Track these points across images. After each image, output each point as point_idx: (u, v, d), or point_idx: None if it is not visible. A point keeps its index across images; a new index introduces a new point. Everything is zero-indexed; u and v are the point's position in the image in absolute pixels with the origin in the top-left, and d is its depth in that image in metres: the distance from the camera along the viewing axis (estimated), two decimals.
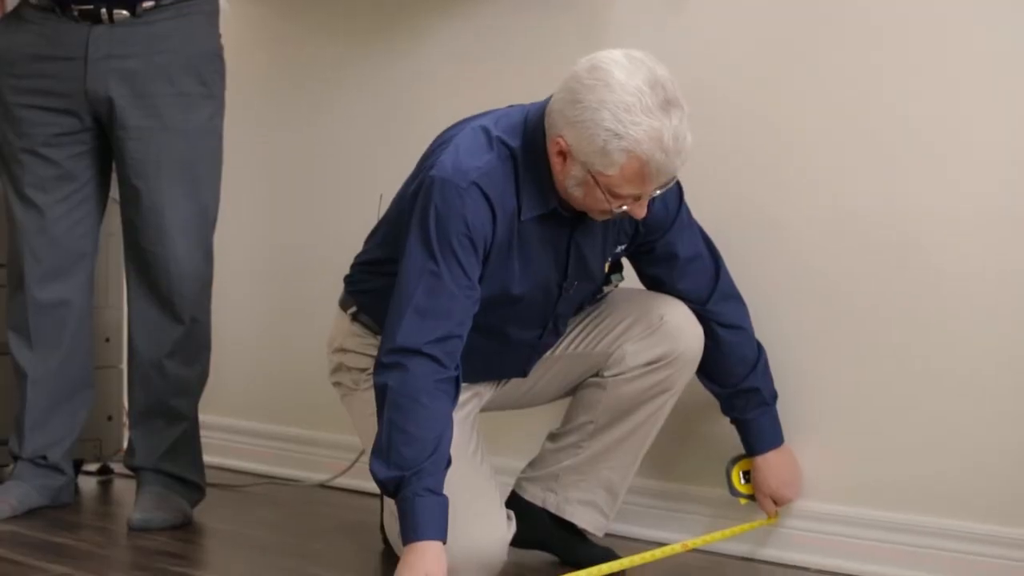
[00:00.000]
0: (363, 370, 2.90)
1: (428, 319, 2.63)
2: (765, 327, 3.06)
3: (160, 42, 3.30)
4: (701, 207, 3.01)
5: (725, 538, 3.07)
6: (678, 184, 2.87)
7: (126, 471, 3.62)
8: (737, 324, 3.00)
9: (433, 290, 2.64)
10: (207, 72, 3.36)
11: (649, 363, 2.93)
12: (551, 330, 2.93)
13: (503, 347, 2.90)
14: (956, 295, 2.94)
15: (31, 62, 3.34)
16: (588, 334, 2.98)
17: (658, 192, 2.69)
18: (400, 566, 2.59)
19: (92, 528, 3.41)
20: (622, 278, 2.97)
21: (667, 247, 2.94)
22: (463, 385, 2.81)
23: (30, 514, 3.41)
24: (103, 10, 3.28)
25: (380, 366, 2.66)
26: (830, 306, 3.09)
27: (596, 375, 2.98)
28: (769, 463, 3.02)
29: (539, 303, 2.84)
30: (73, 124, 3.35)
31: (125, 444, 3.66)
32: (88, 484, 3.84)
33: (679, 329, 2.93)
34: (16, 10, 3.40)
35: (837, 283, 3.08)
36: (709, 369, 3.00)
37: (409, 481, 2.59)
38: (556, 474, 3.03)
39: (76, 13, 3.29)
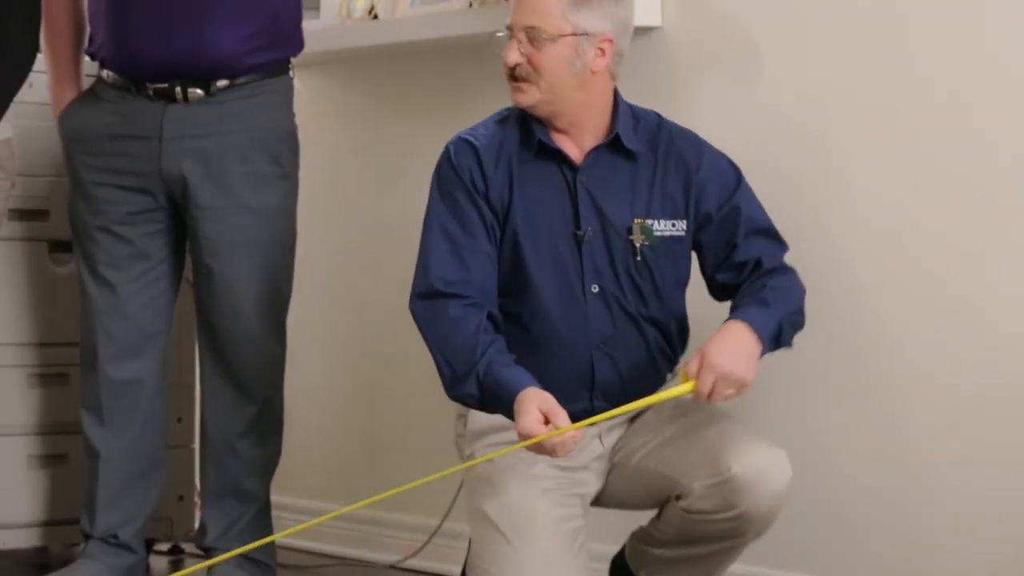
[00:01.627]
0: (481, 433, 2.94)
1: (439, 267, 2.83)
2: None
3: (234, 121, 3.29)
4: None
5: (636, 408, 2.80)
6: (730, 163, 2.93)
7: (197, 551, 3.58)
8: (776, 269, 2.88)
9: (441, 239, 2.84)
10: (281, 152, 3.35)
11: (714, 511, 2.78)
12: (596, 297, 2.86)
13: (551, 327, 2.87)
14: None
15: (106, 141, 3.33)
16: (666, 455, 2.86)
17: (521, 36, 2.80)
18: (516, 420, 2.66)
19: None
20: (652, 232, 2.87)
21: (731, 208, 2.90)
22: (570, 494, 2.84)
23: None
24: (178, 89, 3.28)
25: (412, 311, 2.87)
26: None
27: (676, 495, 2.85)
28: (723, 328, 2.77)
29: (560, 258, 2.85)
30: (147, 202, 3.34)
31: (197, 524, 3.64)
32: (159, 564, 3.82)
33: (747, 486, 2.74)
34: (92, 88, 3.41)
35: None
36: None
37: (484, 374, 2.74)
38: (648, 556, 2.95)
39: (151, 92, 3.29)
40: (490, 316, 2.81)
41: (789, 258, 2.91)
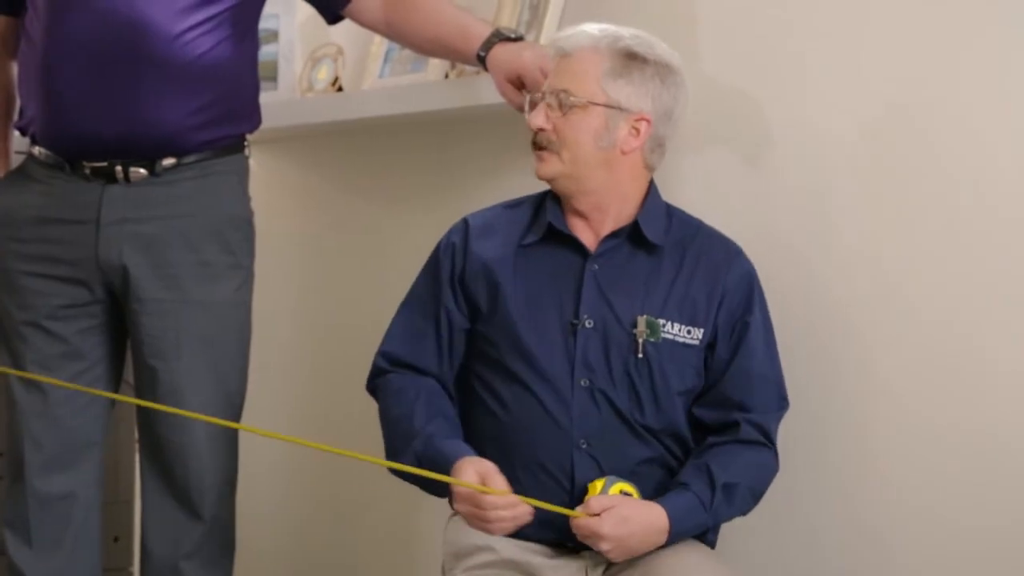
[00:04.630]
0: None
1: (391, 346, 2.88)
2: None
3: (182, 205, 3.09)
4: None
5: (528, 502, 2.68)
6: (760, 290, 2.84)
7: None
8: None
9: (402, 319, 2.89)
10: (234, 239, 3.15)
11: None
12: (583, 391, 2.74)
13: (532, 418, 2.76)
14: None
15: (36, 225, 3.13)
16: None
17: (548, 94, 2.77)
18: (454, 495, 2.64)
19: None
20: (659, 330, 2.76)
21: (741, 327, 2.80)
22: None
23: None
24: (118, 168, 3.07)
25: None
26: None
27: None
28: (650, 510, 2.67)
29: (551, 347, 2.77)
30: (82, 295, 3.13)
31: None
32: None
33: None
34: (21, 167, 3.20)
35: None
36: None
37: (424, 447, 2.71)
38: None
39: (88, 171, 3.08)
40: (439, 383, 2.84)
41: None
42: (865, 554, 2.87)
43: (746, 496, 2.76)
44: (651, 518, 2.66)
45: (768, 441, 2.78)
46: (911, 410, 2.83)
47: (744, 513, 2.78)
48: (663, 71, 2.77)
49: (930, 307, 2.80)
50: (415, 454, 2.71)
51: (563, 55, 2.78)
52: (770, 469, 2.80)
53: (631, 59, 2.75)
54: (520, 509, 2.60)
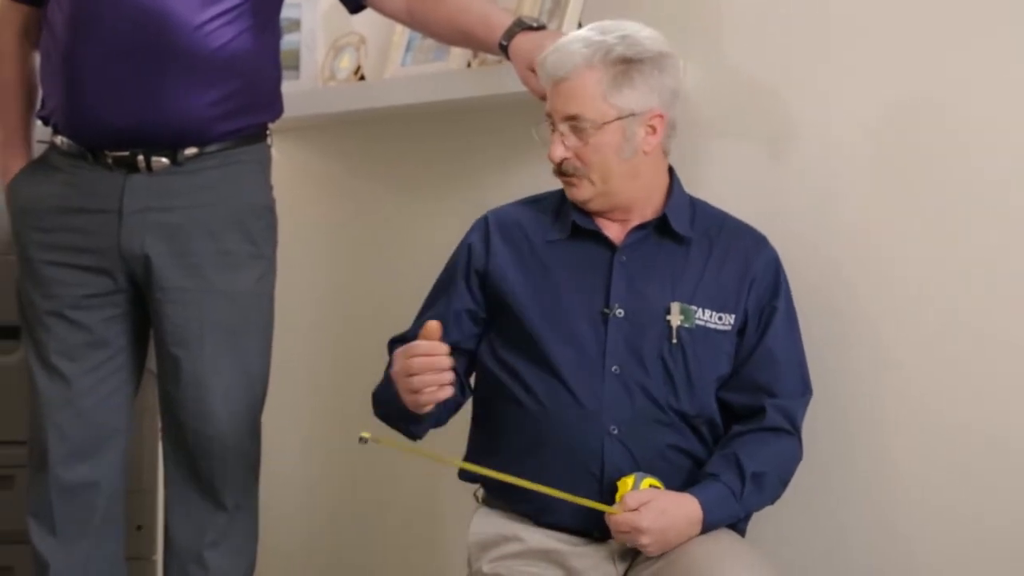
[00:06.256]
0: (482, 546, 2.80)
1: (408, 332, 2.87)
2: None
3: (204, 194, 3.07)
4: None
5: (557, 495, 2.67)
6: (786, 278, 2.83)
7: None
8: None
9: (424, 309, 2.90)
10: (256, 228, 3.13)
11: None
12: (615, 378, 2.73)
13: (562, 403, 2.74)
14: None
15: (59, 215, 3.10)
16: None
17: (563, 127, 2.74)
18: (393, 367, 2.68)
19: None
20: (692, 316, 2.75)
21: (768, 311, 2.80)
22: None
23: None
24: (140, 157, 3.05)
25: None
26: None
27: None
28: (684, 502, 2.66)
29: (580, 337, 2.76)
30: (105, 284, 3.10)
31: None
32: None
33: None
34: (43, 157, 3.18)
35: None
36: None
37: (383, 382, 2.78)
38: None
39: (110, 160, 3.06)
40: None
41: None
42: (888, 552, 2.84)
43: (775, 484, 2.75)
44: (686, 509, 2.65)
45: (793, 428, 2.77)
46: (933, 409, 2.79)
47: (772, 501, 2.76)
48: (658, 61, 2.75)
49: (954, 305, 2.77)
50: (386, 376, 2.76)
51: (559, 80, 2.75)
52: (795, 457, 2.79)
53: (627, 64, 2.71)
54: (440, 357, 2.61)
